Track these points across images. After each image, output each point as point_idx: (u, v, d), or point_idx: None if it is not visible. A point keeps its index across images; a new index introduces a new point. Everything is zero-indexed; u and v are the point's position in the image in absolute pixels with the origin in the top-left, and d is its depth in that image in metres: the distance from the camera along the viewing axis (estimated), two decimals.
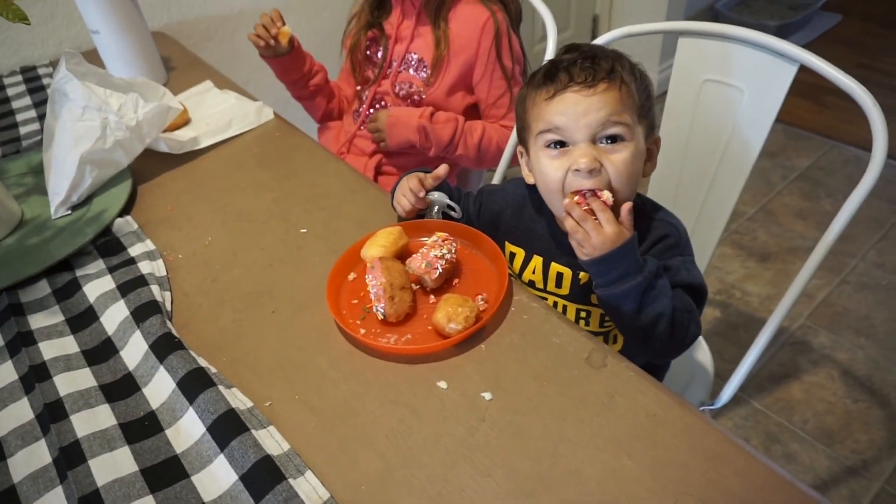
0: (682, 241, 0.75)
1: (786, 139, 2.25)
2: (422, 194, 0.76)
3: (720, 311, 1.69)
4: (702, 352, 1.07)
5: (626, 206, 0.66)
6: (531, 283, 0.81)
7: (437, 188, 0.79)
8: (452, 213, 0.79)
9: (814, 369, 1.52)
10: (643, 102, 0.70)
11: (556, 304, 0.81)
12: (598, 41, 0.99)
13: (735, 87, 0.92)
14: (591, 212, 0.65)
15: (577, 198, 0.66)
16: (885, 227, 1.87)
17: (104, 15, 1.06)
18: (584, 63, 0.69)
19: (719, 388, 0.96)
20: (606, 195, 0.66)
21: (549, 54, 1.15)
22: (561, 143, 0.69)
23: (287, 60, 1.16)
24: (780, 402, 1.45)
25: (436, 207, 0.78)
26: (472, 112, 1.22)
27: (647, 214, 0.77)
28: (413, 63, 1.17)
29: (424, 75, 1.17)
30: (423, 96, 1.17)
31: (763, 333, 0.93)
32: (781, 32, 2.83)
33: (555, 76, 0.69)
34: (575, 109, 0.67)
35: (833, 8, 3.04)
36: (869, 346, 1.55)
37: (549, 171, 0.70)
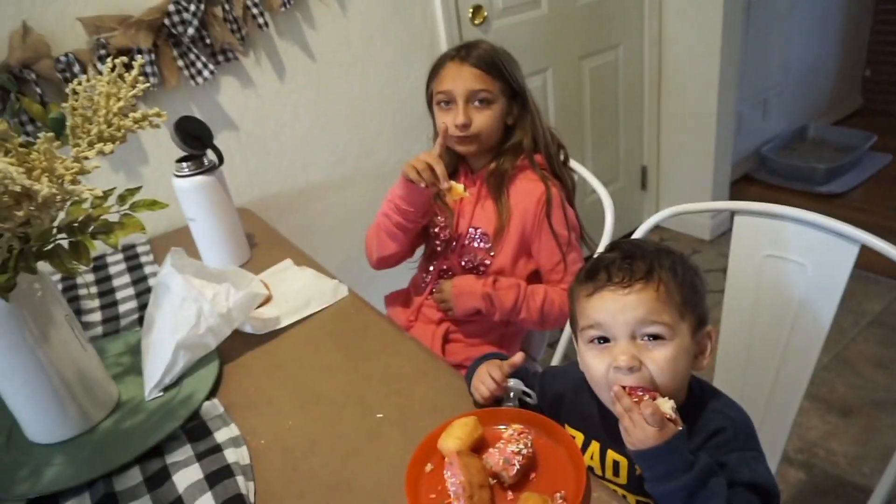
0: (741, 435, 0.72)
1: (853, 282, 2.20)
2: (504, 383, 0.80)
3: (804, 474, 1.58)
4: None
5: (670, 404, 0.67)
6: (590, 469, 0.79)
7: (514, 374, 0.82)
8: (528, 399, 0.81)
9: None
10: (686, 298, 0.72)
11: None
12: (650, 221, 1.04)
13: (798, 263, 0.94)
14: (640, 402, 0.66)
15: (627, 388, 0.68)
16: None
17: (201, 207, 1.19)
18: (623, 263, 0.73)
19: None
20: (658, 400, 0.67)
21: (608, 211, 1.22)
22: (604, 339, 0.72)
23: (427, 195, 1.17)
24: None
25: (512, 393, 0.81)
26: (536, 277, 1.26)
27: (702, 405, 0.75)
28: (476, 237, 1.24)
29: (486, 246, 1.23)
30: (488, 265, 1.23)
31: None
32: (831, 175, 2.87)
33: (595, 274, 0.74)
34: (613, 307, 0.71)
35: (881, 148, 3.08)
36: None
37: (592, 365, 0.73)
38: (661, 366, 0.69)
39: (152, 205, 0.87)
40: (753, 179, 3.09)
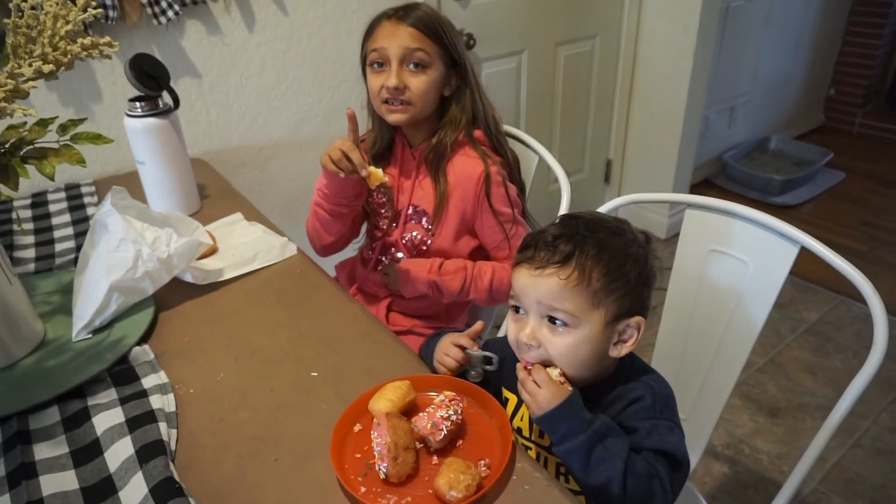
0: (659, 405, 0.75)
1: (795, 291, 2.29)
2: (472, 349, 0.83)
3: (728, 468, 1.64)
4: None
5: (557, 371, 0.72)
6: (518, 430, 0.83)
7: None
8: (490, 366, 0.83)
9: None
10: (604, 288, 0.72)
11: (539, 455, 0.82)
12: (603, 208, 1.05)
13: (740, 259, 0.96)
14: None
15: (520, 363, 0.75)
16: None
17: (152, 150, 1.15)
18: (549, 243, 0.74)
19: None
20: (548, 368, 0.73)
21: (565, 199, 1.22)
22: (520, 309, 0.76)
23: (352, 181, 1.10)
24: None
25: (474, 361, 0.83)
26: (481, 253, 1.26)
27: (629, 377, 0.78)
28: (415, 214, 1.21)
29: (427, 226, 1.20)
30: (429, 244, 1.22)
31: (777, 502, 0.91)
32: (786, 187, 2.96)
33: (525, 247, 0.76)
34: (525, 283, 0.74)
35: (836, 166, 3.18)
36: None
37: (510, 330, 0.78)
38: (560, 351, 0.73)
39: (96, 138, 0.84)
40: (713, 184, 3.16)
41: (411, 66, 1.10)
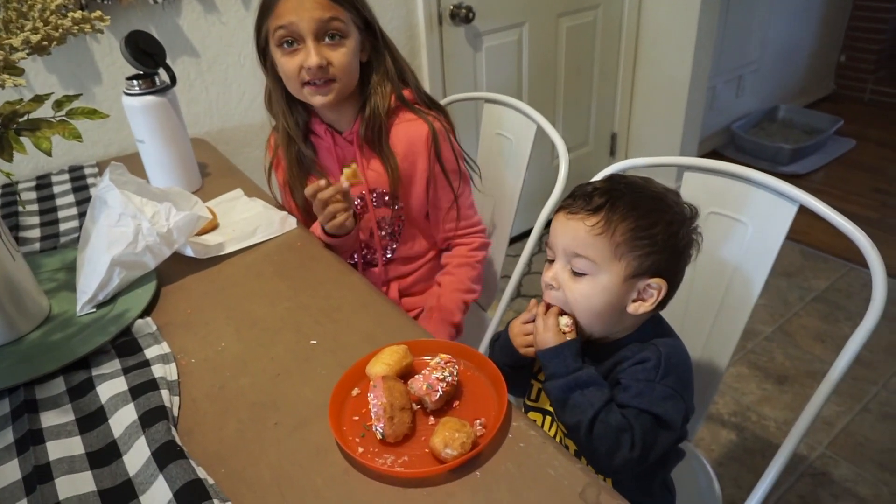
0: (662, 369, 0.76)
1: (803, 260, 2.27)
2: None
3: (736, 435, 1.64)
4: (708, 480, 1.04)
5: (566, 319, 0.78)
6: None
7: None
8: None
9: None
10: (629, 242, 0.74)
11: (545, 416, 0.85)
12: (605, 171, 1.04)
13: (739, 220, 0.95)
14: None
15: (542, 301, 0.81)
16: None
17: (151, 128, 1.15)
18: (586, 194, 0.77)
19: None
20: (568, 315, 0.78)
21: (562, 178, 1.21)
22: (552, 253, 0.80)
23: (349, 234, 1.08)
24: None
25: None
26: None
27: (644, 339, 0.80)
28: (378, 198, 1.16)
29: (395, 207, 1.16)
30: (402, 223, 1.20)
31: (776, 461, 0.91)
32: (796, 155, 2.92)
33: (570, 195, 0.80)
34: (558, 228, 0.79)
35: (847, 133, 3.14)
36: (893, 482, 1.48)
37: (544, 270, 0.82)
38: (576, 296, 0.77)
39: (91, 113, 0.85)
40: (721, 155, 3.13)
41: (327, 39, 1.02)
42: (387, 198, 1.16)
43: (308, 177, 1.16)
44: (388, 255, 1.24)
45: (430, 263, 1.27)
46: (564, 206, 0.79)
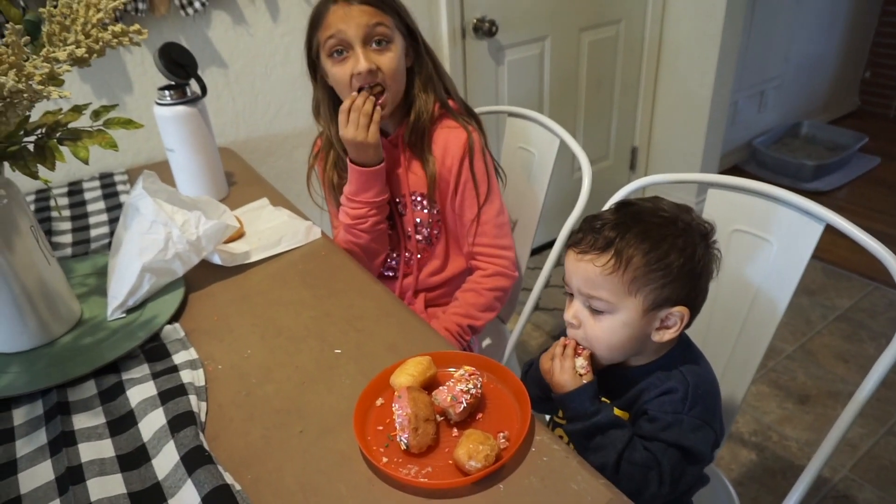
0: (690, 400, 0.75)
1: (825, 278, 2.24)
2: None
3: (756, 455, 1.62)
4: (728, 498, 1.03)
5: (582, 361, 0.78)
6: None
7: None
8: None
9: None
10: (643, 277, 0.73)
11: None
12: (626, 189, 1.05)
13: (764, 239, 0.95)
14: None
15: (563, 339, 0.82)
16: None
17: (181, 137, 1.18)
18: (594, 230, 0.77)
19: None
20: (584, 356, 0.80)
21: (584, 192, 1.21)
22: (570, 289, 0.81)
23: (377, 167, 1.10)
24: None
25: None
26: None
27: (671, 366, 0.79)
28: (417, 202, 1.19)
29: (434, 210, 1.19)
30: (439, 228, 1.21)
31: (800, 482, 0.91)
32: (819, 172, 2.89)
33: (577, 231, 0.80)
34: (570, 268, 0.79)
35: (871, 151, 3.10)
36: None
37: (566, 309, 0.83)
38: (597, 334, 0.78)
39: (127, 123, 0.87)
40: (742, 171, 3.11)
41: (374, 45, 1.05)
42: (424, 201, 1.19)
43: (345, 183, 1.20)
44: (420, 260, 1.25)
45: (460, 279, 1.27)
46: (574, 243, 0.79)
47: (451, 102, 1.17)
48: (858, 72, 3.64)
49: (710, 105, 2.42)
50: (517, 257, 1.25)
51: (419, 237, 1.23)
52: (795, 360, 1.92)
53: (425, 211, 1.19)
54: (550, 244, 1.27)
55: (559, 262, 1.84)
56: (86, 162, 0.82)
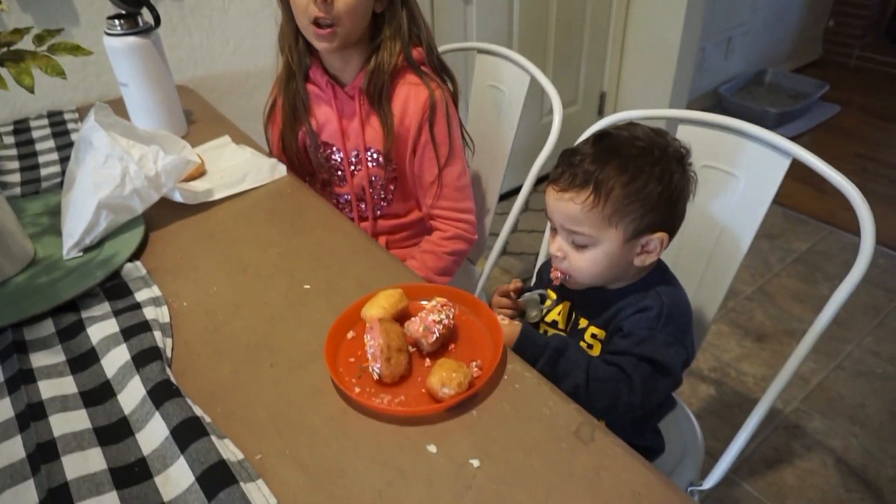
0: (664, 317, 0.77)
1: (785, 222, 2.30)
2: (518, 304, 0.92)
3: (715, 390, 1.69)
4: (692, 429, 1.06)
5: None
6: (553, 324, 0.90)
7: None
8: (543, 304, 0.91)
9: (807, 455, 1.50)
10: (623, 210, 0.75)
11: None
12: (598, 124, 1.04)
13: (732, 174, 0.96)
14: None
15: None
16: (881, 315, 1.89)
17: (134, 70, 1.12)
18: (572, 165, 0.77)
19: (711, 467, 0.96)
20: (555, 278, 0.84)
21: (555, 130, 1.20)
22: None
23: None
24: (772, 487, 1.43)
25: (529, 306, 0.91)
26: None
27: (647, 287, 0.81)
28: (371, 158, 1.14)
29: (389, 168, 1.15)
30: (394, 187, 1.18)
31: (755, 414, 0.94)
32: (781, 120, 2.93)
33: (557, 166, 0.80)
34: (550, 205, 0.80)
35: (831, 99, 3.15)
36: (863, 435, 1.54)
37: (549, 243, 0.84)
38: (581, 265, 0.80)
39: (75, 49, 0.81)
40: None
41: None
42: (381, 158, 1.13)
43: (301, 127, 1.15)
44: (378, 213, 1.23)
45: (421, 224, 1.25)
46: (553, 179, 0.79)
47: (416, 54, 1.09)
48: (822, 21, 3.66)
49: (679, 51, 2.41)
50: (477, 219, 1.22)
51: (373, 192, 1.19)
52: (754, 300, 1.99)
53: (382, 169, 1.14)
54: (517, 190, 1.25)
55: (526, 208, 1.84)
56: (31, 90, 0.77)
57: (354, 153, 1.15)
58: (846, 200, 0.83)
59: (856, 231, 0.81)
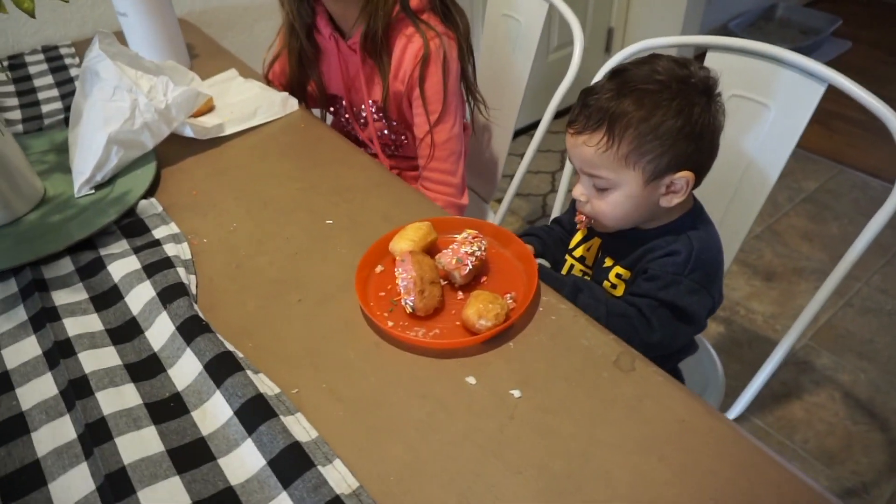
0: (691, 263, 0.75)
1: (794, 161, 2.26)
2: None
3: (724, 328, 1.70)
4: (713, 365, 1.07)
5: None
6: (582, 259, 0.89)
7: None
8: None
9: (816, 390, 1.52)
10: (639, 150, 0.71)
11: None
12: (618, 57, 1.00)
13: (762, 103, 0.93)
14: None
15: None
16: (889, 253, 1.88)
17: None
18: (587, 105, 0.74)
19: (724, 404, 0.97)
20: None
21: (575, 64, 1.16)
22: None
23: None
24: (781, 421, 1.46)
25: None
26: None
27: (679, 230, 0.78)
28: (376, 113, 1.11)
29: (393, 123, 1.11)
30: (404, 144, 1.15)
31: (775, 355, 0.95)
32: None
33: (574, 107, 0.76)
34: (569, 148, 0.78)
35: (843, 34, 3.06)
36: (871, 369, 1.56)
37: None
38: (603, 209, 0.77)
39: None
40: None
41: None
42: (381, 113, 1.09)
43: (309, 81, 1.10)
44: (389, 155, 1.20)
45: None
46: (570, 121, 0.76)
47: (421, 5, 1.00)
48: None
49: None
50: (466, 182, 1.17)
51: (384, 148, 1.16)
52: (763, 239, 1.98)
53: (385, 124, 1.11)
54: (525, 129, 1.21)
55: (539, 149, 1.81)
56: (31, 14, 0.72)
57: (362, 107, 1.12)
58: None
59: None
